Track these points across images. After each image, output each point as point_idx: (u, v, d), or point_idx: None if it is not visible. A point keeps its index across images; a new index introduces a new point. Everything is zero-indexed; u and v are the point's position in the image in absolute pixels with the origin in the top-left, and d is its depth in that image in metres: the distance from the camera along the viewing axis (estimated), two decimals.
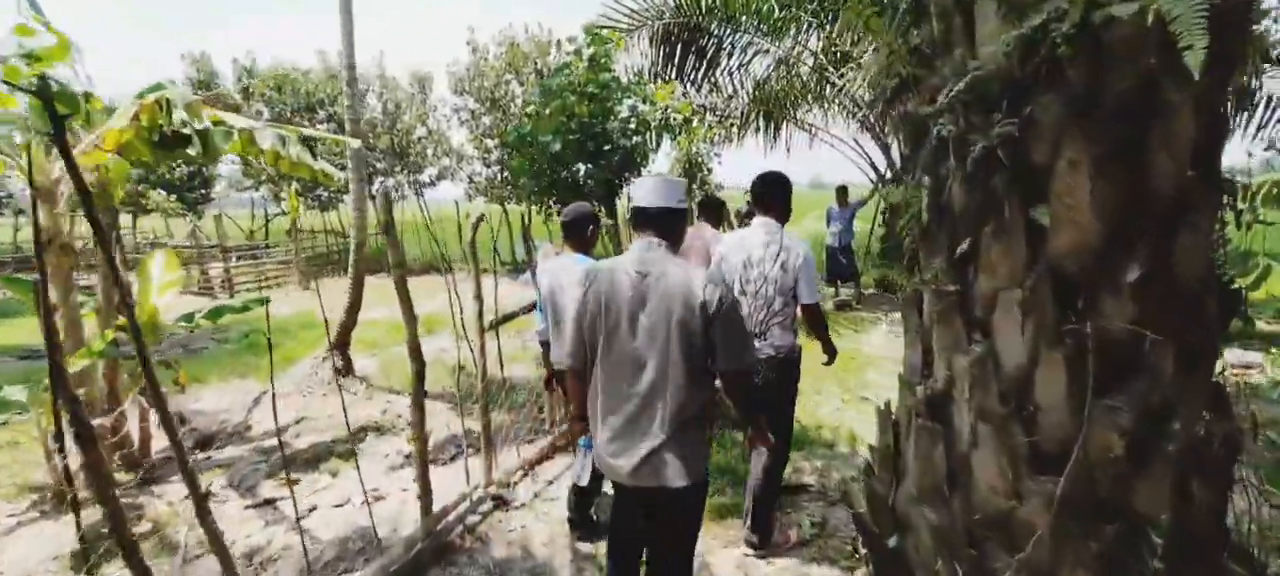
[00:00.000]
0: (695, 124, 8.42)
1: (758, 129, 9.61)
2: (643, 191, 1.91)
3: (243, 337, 8.24)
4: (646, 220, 1.89)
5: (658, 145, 6.71)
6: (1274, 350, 5.99)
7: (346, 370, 5.78)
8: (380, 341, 7.81)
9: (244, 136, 4.28)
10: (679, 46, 7.94)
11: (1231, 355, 5.80)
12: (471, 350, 3.54)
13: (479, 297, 3.46)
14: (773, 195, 2.87)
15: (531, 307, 4.11)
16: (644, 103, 5.10)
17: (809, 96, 9.09)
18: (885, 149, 8.74)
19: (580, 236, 3.03)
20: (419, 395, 2.94)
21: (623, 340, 1.82)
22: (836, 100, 9.21)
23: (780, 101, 9.12)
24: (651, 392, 1.80)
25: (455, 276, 3.54)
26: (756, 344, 2.77)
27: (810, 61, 8.51)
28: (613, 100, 4.72)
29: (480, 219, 3.41)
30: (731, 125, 9.49)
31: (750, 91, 9.27)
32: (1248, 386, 4.90)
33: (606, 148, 4.82)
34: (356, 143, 4.58)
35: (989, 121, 1.56)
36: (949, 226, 1.73)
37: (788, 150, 9.61)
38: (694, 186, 8.72)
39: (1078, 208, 1.48)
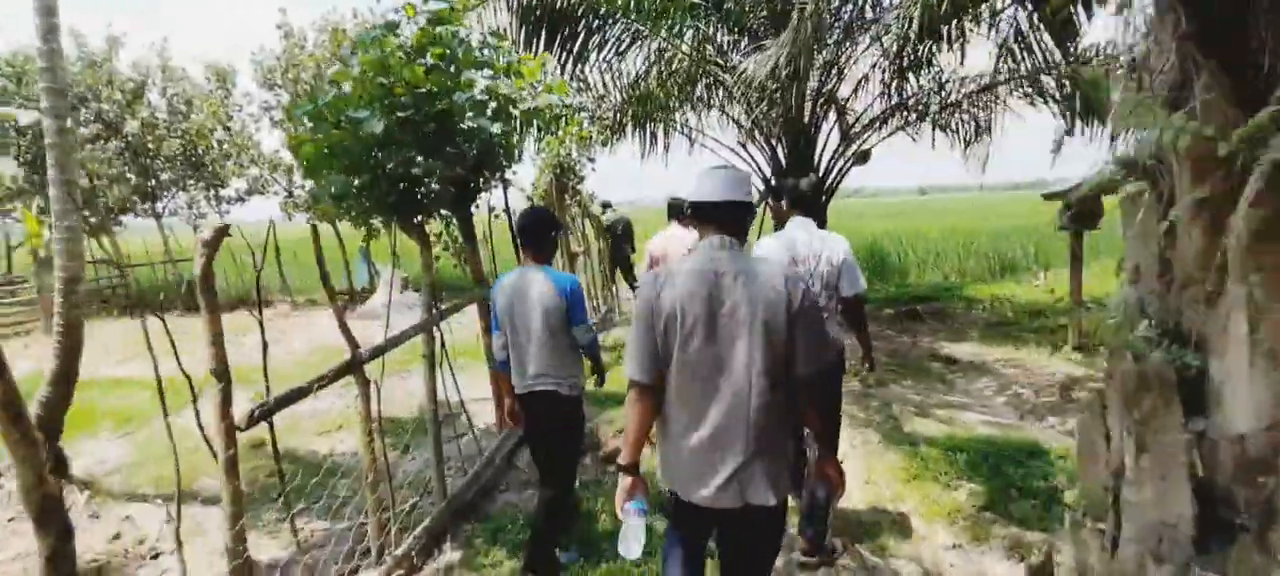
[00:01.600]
0: (565, 122, 7.22)
1: (631, 134, 8.62)
2: (704, 186, 1.79)
3: None
4: (709, 216, 1.78)
5: (522, 138, 5.40)
6: None
7: (57, 470, 3.79)
8: (140, 411, 5.68)
9: None
10: (544, 28, 6.69)
11: None
12: (212, 449, 2.03)
13: (221, 372, 1.96)
14: (812, 198, 3.02)
15: (344, 372, 2.63)
16: (507, 76, 3.80)
17: (687, 100, 8.27)
18: (772, 154, 8.10)
19: (540, 245, 2.81)
20: None
21: (700, 347, 1.69)
22: (719, 104, 8.47)
23: (658, 103, 8.20)
24: (735, 402, 1.68)
25: (261, 310, 2.01)
26: None
27: (688, 58, 7.67)
28: (462, 68, 3.37)
29: (222, 231, 1.93)
30: (606, 127, 8.41)
31: (624, 90, 8.26)
32: None
33: (457, 136, 3.45)
34: (30, 117, 2.82)
35: None
36: None
37: (665, 156, 8.69)
38: (566, 198, 7.49)
39: None
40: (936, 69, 7.06)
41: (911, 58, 6.89)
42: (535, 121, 4.24)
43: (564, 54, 7.41)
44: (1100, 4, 5.05)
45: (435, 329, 3.43)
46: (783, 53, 4.45)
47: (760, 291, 1.66)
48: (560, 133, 6.91)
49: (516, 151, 4.49)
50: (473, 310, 4.15)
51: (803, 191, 2.98)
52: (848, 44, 7.55)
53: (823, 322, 1.72)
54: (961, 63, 7.09)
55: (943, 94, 7.40)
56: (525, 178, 7.14)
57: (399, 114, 3.08)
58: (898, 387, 5.39)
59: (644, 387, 1.76)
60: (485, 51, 3.67)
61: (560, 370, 2.73)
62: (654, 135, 8.67)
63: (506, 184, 4.57)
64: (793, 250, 2.80)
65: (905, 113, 8.12)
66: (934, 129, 8.33)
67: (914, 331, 7.62)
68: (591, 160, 7.45)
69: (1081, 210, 6.12)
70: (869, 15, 7.45)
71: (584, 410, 2.97)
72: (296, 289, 11.69)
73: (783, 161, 8.11)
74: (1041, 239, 12.12)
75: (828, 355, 1.74)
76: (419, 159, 3.19)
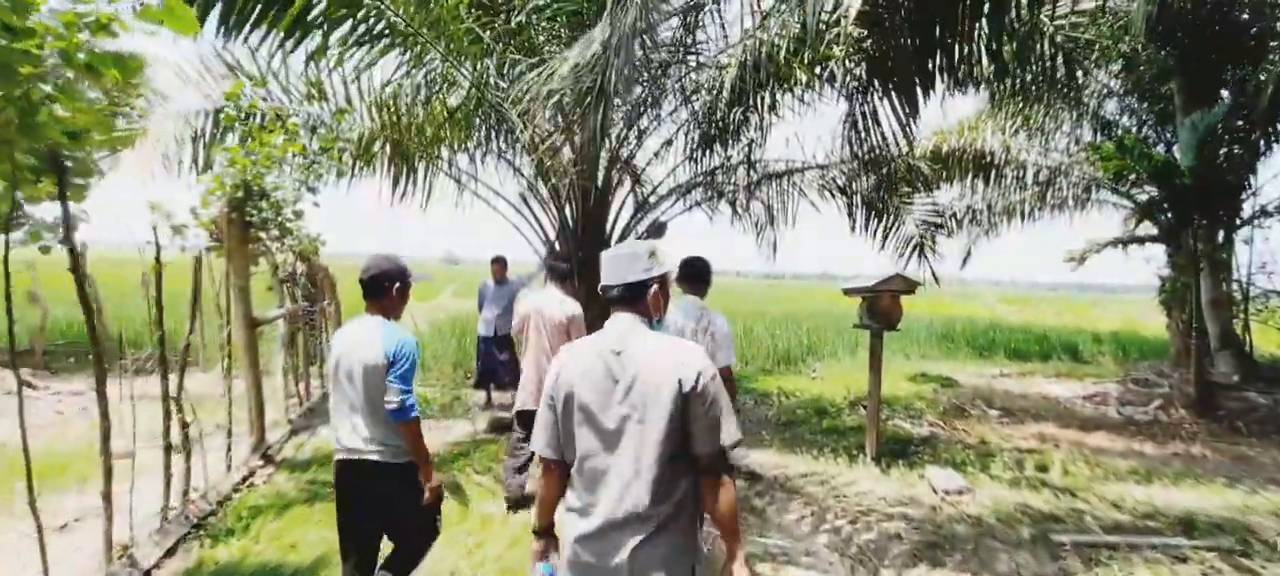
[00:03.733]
0: (267, 128, 5.07)
1: (385, 167, 6.68)
2: (605, 269, 1.81)
3: None
4: (617, 297, 1.80)
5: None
6: (971, 468, 5.71)
7: None
8: None
9: None
10: None
11: (939, 480, 5.17)
12: None
13: None
14: (701, 276, 3.46)
15: None
16: None
17: (464, 140, 6.70)
18: (560, 215, 6.75)
19: (377, 294, 2.58)
20: None
21: (596, 427, 1.70)
22: (498, 149, 6.98)
23: (424, 134, 6.47)
24: (628, 485, 1.65)
25: None
26: None
27: (471, 86, 6.12)
28: None
29: None
30: (341, 152, 6.36)
31: (378, 109, 6.37)
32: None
33: None
34: None
35: None
36: None
37: (425, 201, 6.85)
38: (266, 239, 5.22)
39: None
40: (742, 143, 6.39)
41: (718, 126, 6.15)
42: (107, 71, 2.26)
43: (273, 20, 5.26)
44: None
45: None
46: (597, 44, 3.07)
47: (653, 370, 1.66)
48: (260, 140, 4.78)
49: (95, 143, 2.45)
50: None
51: (697, 270, 3.39)
52: (651, 102, 6.66)
53: (724, 402, 1.67)
54: (764, 143, 6.58)
55: (752, 171, 6.79)
56: (179, 199, 4.75)
57: None
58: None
59: (550, 462, 1.80)
60: None
61: (387, 435, 2.49)
62: (413, 171, 6.83)
63: (66, 198, 2.43)
64: (681, 326, 3.20)
65: (705, 188, 7.46)
66: (733, 210, 7.81)
67: None
68: (312, 190, 5.34)
69: (880, 309, 5.71)
70: (675, 77, 6.68)
71: (418, 480, 2.58)
72: None
73: (571, 223, 6.82)
74: (814, 329, 12.55)
75: (731, 435, 1.67)
76: None
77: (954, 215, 12.50)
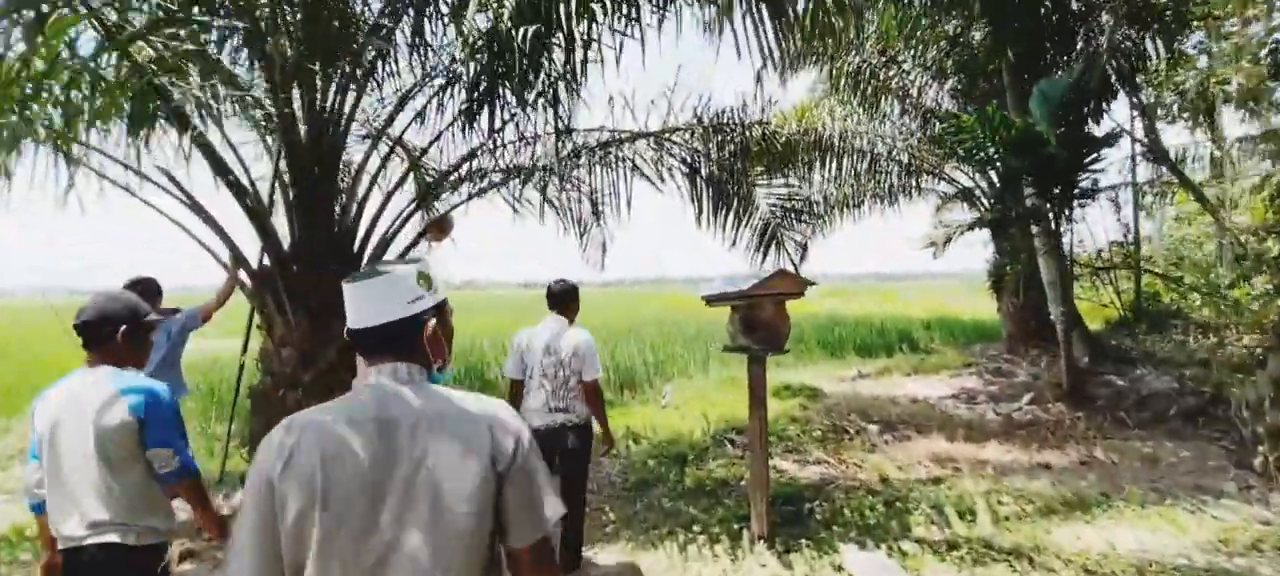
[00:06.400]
0: None
1: None
2: (353, 306, 1.21)
3: None
4: (375, 344, 1.20)
5: None
6: (889, 536, 4.06)
7: None
8: None
9: None
10: None
11: (864, 573, 3.45)
12: None
13: None
14: (570, 300, 3.66)
15: None
16: None
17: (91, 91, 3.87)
18: (255, 217, 4.15)
19: (100, 341, 2.04)
20: None
21: (357, 536, 1.07)
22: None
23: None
24: None
25: None
26: (564, 415, 3.41)
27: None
28: None
29: None
30: None
31: None
32: None
33: None
34: None
35: None
36: None
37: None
38: None
39: None
40: (542, 86, 4.25)
41: (504, 63, 3.96)
42: None
43: None
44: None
45: None
46: None
47: (454, 443, 1.12)
48: None
49: None
50: None
51: (555, 293, 3.63)
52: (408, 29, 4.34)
53: (543, 475, 1.19)
54: (579, 87, 4.53)
55: (562, 140, 4.68)
56: None
57: None
58: None
59: None
60: None
61: (128, 514, 1.96)
62: None
63: None
64: (545, 341, 3.43)
65: (504, 170, 5.29)
66: (543, 197, 5.70)
67: None
68: None
69: (762, 322, 3.93)
70: None
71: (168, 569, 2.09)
72: None
73: (282, 229, 4.26)
74: (657, 343, 10.88)
75: (554, 511, 1.17)
76: None
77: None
